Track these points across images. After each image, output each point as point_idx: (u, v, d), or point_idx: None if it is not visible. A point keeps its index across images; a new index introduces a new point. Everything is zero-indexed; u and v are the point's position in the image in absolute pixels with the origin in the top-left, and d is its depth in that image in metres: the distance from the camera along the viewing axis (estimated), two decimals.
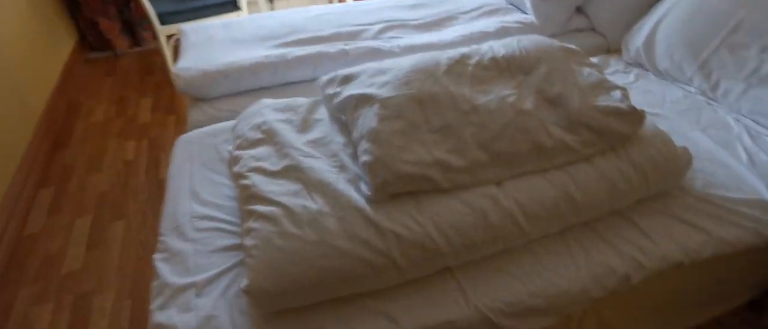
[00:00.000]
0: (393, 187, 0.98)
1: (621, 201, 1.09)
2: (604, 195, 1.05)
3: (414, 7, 2.10)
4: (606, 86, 1.13)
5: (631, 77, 1.71)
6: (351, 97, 1.13)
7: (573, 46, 1.27)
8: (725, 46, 1.53)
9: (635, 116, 1.08)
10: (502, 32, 1.88)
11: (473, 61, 1.20)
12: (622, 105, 1.08)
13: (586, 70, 1.17)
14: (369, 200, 0.99)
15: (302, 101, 1.30)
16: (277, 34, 1.89)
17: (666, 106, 1.54)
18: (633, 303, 1.17)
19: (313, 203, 0.98)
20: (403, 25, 1.95)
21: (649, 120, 1.22)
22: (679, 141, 1.35)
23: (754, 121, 1.44)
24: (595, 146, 1.07)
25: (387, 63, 1.21)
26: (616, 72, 1.75)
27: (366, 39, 1.86)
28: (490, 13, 2.04)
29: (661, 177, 1.10)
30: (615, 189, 1.06)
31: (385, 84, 1.12)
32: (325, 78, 1.28)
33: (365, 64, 1.25)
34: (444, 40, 1.84)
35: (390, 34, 1.91)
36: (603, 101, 1.09)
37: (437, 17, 2.01)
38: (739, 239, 1.09)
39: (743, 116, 1.47)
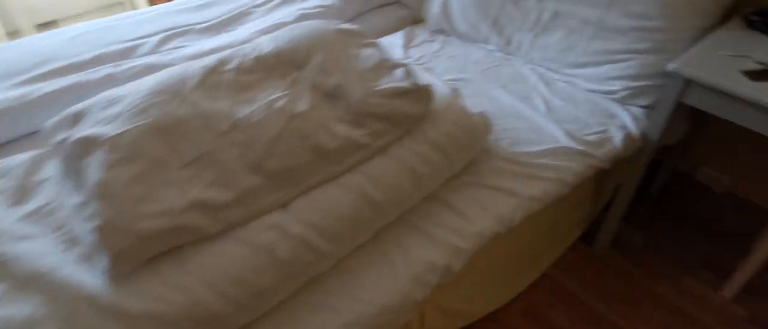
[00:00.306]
0: (137, 253, 0.74)
1: (427, 186, 1.00)
2: (406, 186, 0.95)
3: (199, 8, 1.80)
4: (387, 66, 1.02)
5: (437, 45, 1.67)
6: (75, 142, 0.85)
7: (351, 26, 1.14)
8: (509, 0, 1.55)
9: (421, 93, 0.99)
10: (302, 20, 1.69)
11: (232, 65, 1.00)
12: (405, 84, 0.98)
13: (366, 51, 1.04)
14: (110, 277, 0.74)
15: (19, 159, 0.97)
16: (19, 69, 1.45)
17: (470, 68, 1.52)
18: (469, 282, 1.11)
19: (22, 308, 0.70)
20: (187, 31, 1.66)
21: (446, 90, 1.15)
22: (483, 102, 1.33)
23: (546, 68, 1.49)
24: (386, 135, 0.95)
25: (123, 89, 0.95)
26: (423, 42, 1.70)
27: (142, 55, 1.54)
28: (288, 2, 1.85)
29: (462, 150, 1.04)
30: (417, 176, 0.96)
31: (116, 117, 0.86)
32: (51, 122, 0.97)
33: (99, 95, 0.96)
34: (239, 40, 1.60)
35: (172, 43, 1.61)
36: (385, 82, 0.97)
37: (228, 15, 1.76)
38: (545, 192, 1.07)
39: (537, 65, 1.51)
